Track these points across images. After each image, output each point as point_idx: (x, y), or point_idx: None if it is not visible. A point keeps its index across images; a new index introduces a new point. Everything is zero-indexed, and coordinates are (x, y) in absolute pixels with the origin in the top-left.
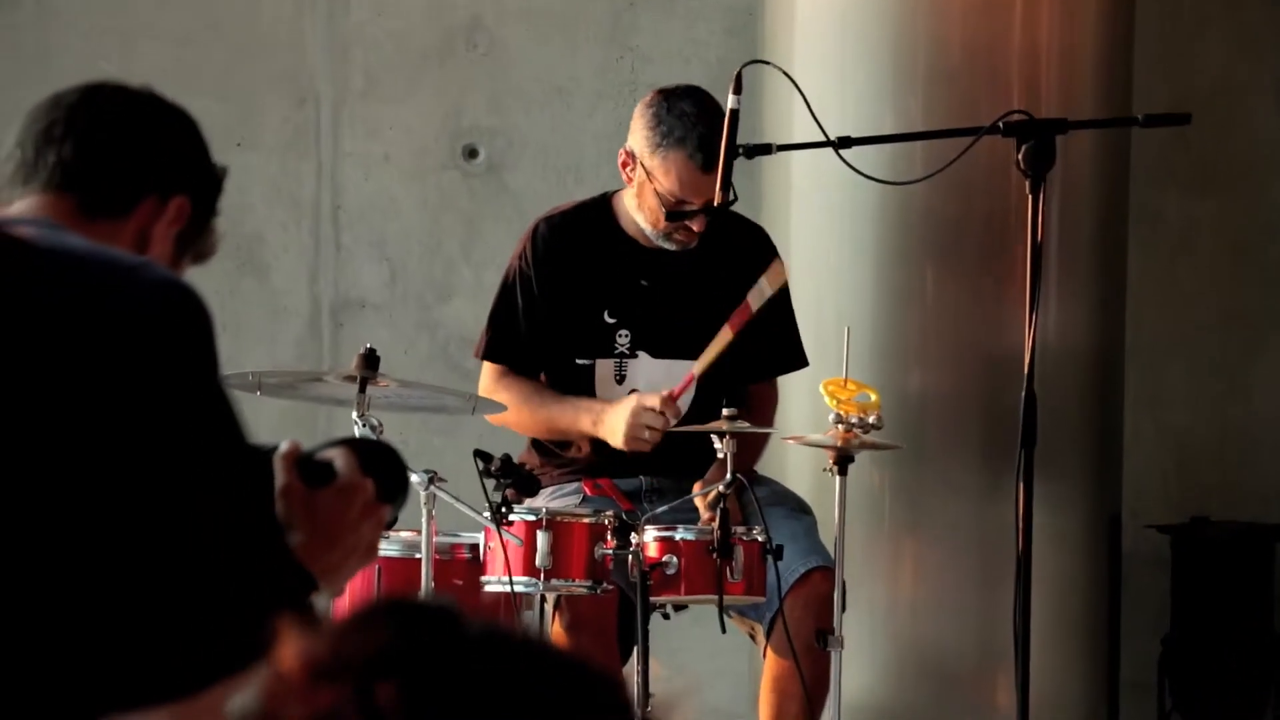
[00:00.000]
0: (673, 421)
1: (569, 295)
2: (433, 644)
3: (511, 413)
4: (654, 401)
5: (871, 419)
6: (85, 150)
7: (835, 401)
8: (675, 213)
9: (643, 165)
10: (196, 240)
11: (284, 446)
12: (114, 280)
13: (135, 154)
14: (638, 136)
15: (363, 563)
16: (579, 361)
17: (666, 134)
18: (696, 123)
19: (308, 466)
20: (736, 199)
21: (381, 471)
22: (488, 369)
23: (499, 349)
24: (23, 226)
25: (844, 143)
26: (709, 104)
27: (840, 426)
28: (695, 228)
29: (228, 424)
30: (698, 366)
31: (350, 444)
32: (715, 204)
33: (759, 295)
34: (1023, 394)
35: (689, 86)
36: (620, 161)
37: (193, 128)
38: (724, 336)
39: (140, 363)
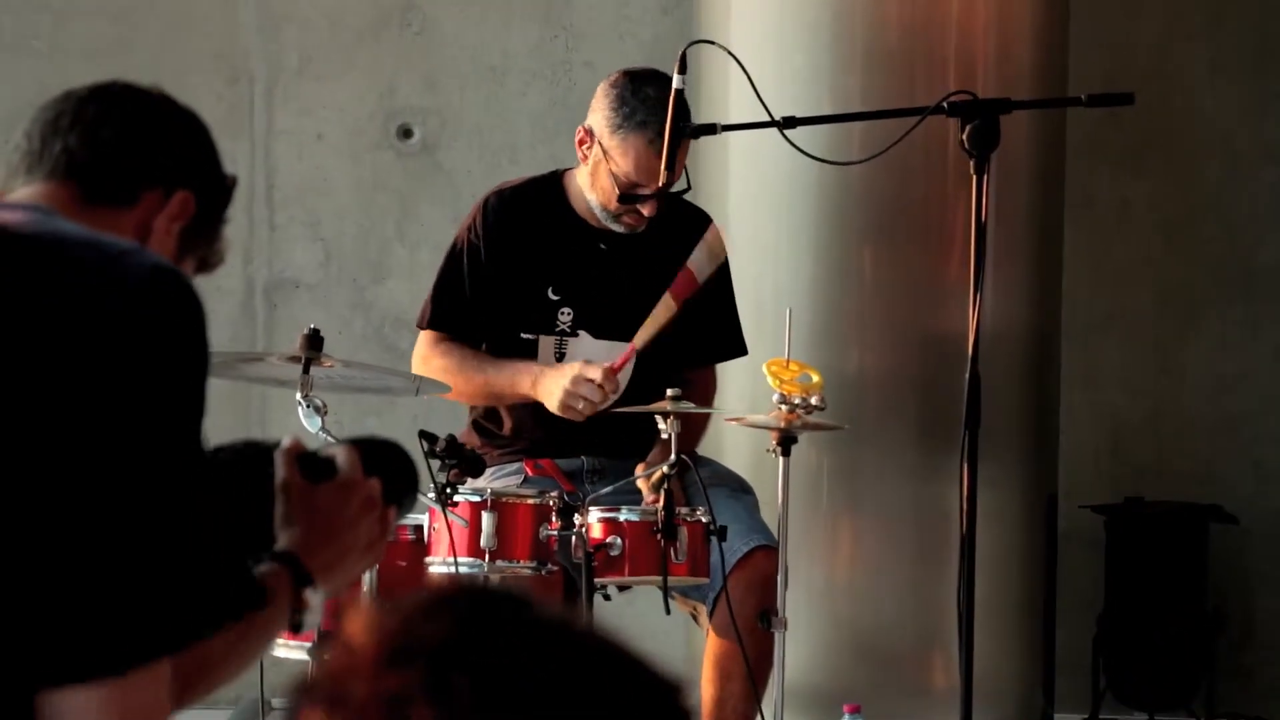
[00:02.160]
0: (611, 397)
1: (515, 269)
2: (504, 634)
3: (448, 377)
4: (595, 373)
5: (814, 399)
6: (91, 140)
7: (778, 382)
8: (628, 195)
9: (601, 144)
10: (201, 242)
11: (286, 441)
12: (100, 263)
13: (141, 146)
14: (598, 116)
15: (365, 561)
16: (523, 336)
17: (629, 116)
18: (659, 108)
19: (308, 462)
20: (690, 187)
21: (388, 472)
22: (425, 336)
23: (443, 317)
24: (9, 212)
25: (788, 123)
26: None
27: (784, 407)
28: (646, 211)
29: (192, 417)
30: (639, 338)
31: (357, 442)
32: (665, 186)
33: (699, 263)
34: (967, 375)
35: (653, 70)
36: (578, 139)
37: (202, 129)
38: (666, 306)
39: (123, 345)
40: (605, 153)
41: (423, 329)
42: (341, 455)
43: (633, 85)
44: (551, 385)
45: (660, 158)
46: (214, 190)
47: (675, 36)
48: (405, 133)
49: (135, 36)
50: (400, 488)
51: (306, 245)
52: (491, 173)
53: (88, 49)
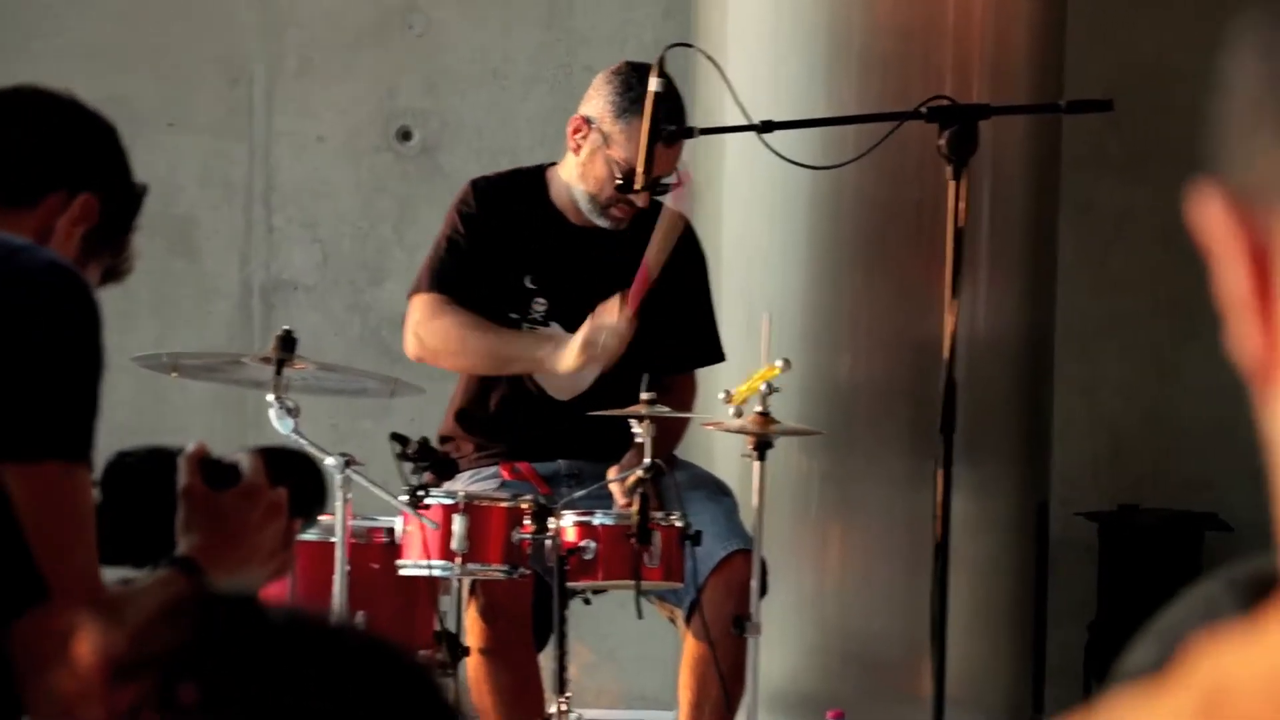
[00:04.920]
0: (625, 344)
1: (495, 253)
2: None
3: (457, 334)
4: (613, 308)
5: (762, 388)
6: None
7: (741, 393)
8: (627, 183)
9: (601, 131)
10: (106, 248)
11: (190, 447)
12: None
13: (46, 147)
14: (600, 102)
15: (266, 569)
16: (511, 316)
17: (636, 100)
18: (666, 94)
19: (212, 468)
20: (681, 182)
21: (296, 482)
22: (426, 300)
23: (445, 280)
24: None
25: (767, 126)
26: (677, 92)
27: (760, 414)
28: (639, 203)
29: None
30: (650, 256)
31: (264, 450)
32: (639, 188)
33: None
34: (942, 381)
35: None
36: (572, 128)
37: (111, 134)
38: (669, 224)
39: (14, 337)
40: (606, 139)
41: (421, 294)
42: (246, 462)
43: (637, 73)
44: (571, 342)
45: (665, 144)
46: (120, 195)
47: (676, 40)
48: (405, 135)
49: (135, 38)
50: (307, 499)
51: (305, 247)
52: None
53: (88, 50)
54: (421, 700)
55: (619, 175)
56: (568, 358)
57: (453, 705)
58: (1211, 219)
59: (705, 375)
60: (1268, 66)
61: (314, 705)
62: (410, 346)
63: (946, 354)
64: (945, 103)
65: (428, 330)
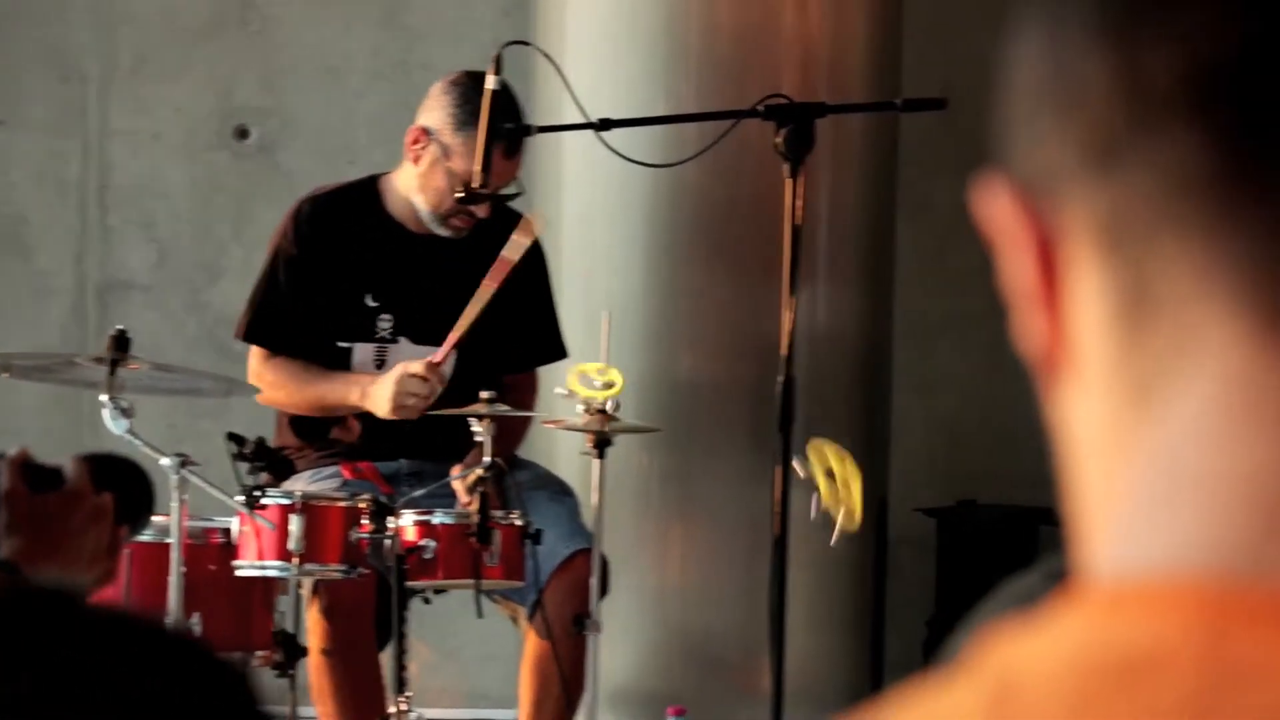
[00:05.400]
0: (438, 388)
1: (331, 277)
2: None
3: (280, 392)
4: (418, 368)
5: (609, 405)
6: None
7: (583, 387)
8: (468, 196)
9: (440, 143)
10: None
11: (12, 451)
12: None
13: None
14: (440, 114)
15: (90, 575)
16: (340, 344)
17: (474, 113)
18: (502, 93)
19: (34, 472)
20: (523, 191)
21: (122, 489)
22: (254, 352)
23: (258, 330)
24: None
25: (605, 125)
26: (514, 93)
27: (599, 411)
28: (480, 214)
29: None
30: (457, 330)
31: (90, 457)
32: (478, 187)
33: (516, 248)
34: (781, 378)
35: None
36: (411, 139)
37: None
38: (484, 292)
39: None
40: (445, 151)
41: (239, 339)
42: (70, 467)
43: (475, 83)
44: (380, 391)
45: (504, 156)
46: None
47: (514, 38)
48: (242, 133)
49: None
50: (133, 506)
51: (141, 246)
52: (329, 174)
53: None
54: (231, 701)
55: (459, 188)
56: (380, 406)
57: (265, 711)
58: (997, 210)
59: (547, 374)
60: (1049, 54)
61: (117, 706)
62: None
63: (785, 352)
64: (782, 101)
65: (262, 382)
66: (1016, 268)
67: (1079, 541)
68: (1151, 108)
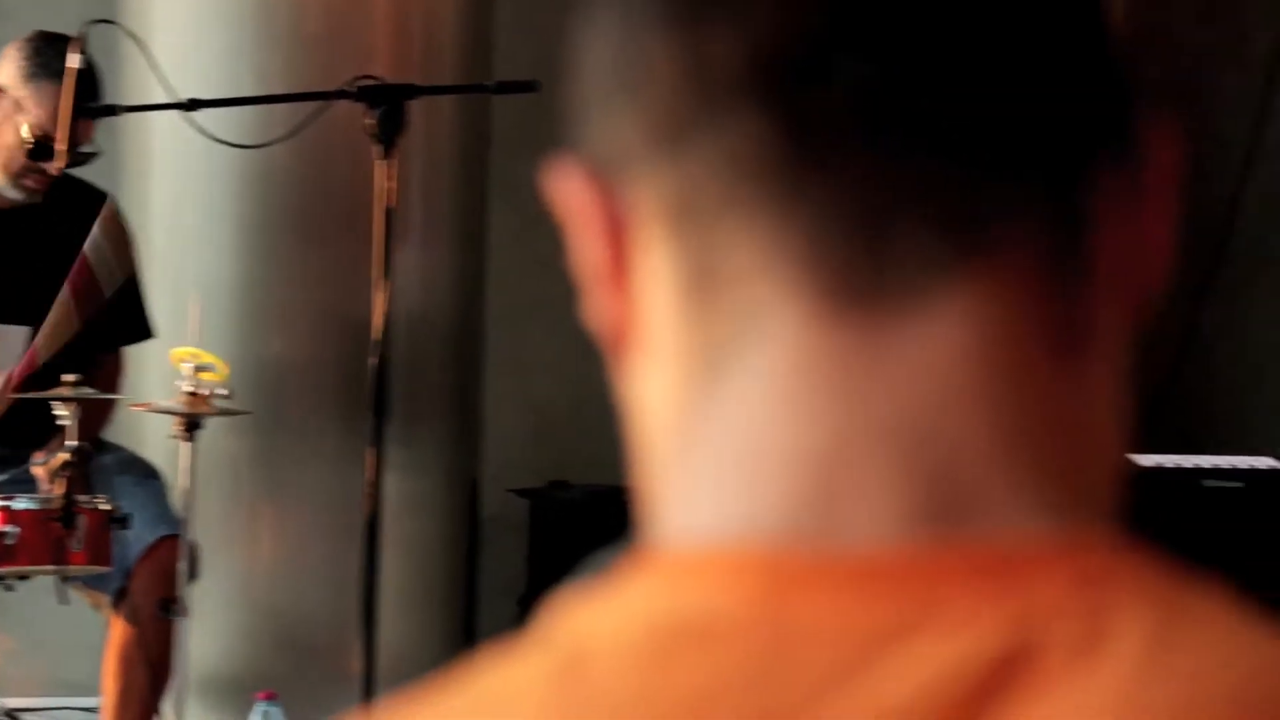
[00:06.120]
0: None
1: None
2: None
3: None
4: None
5: (219, 389)
6: None
7: (186, 370)
8: (40, 148)
9: (11, 98)
10: None
11: None
12: None
13: None
14: (8, 69)
15: None
16: None
17: (44, 65)
18: (86, 71)
19: None
20: (101, 152)
21: None
22: None
23: None
24: None
25: (193, 105)
26: (98, 72)
27: (187, 392)
28: (53, 170)
29: None
30: (41, 346)
31: None
32: (61, 168)
33: (96, 246)
34: (372, 361)
35: (70, 35)
36: None
37: None
38: (63, 304)
39: None
40: (17, 104)
41: None
42: None
43: (47, 39)
44: None
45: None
46: None
47: (100, 17)
48: None
49: None
50: None
51: None
52: None
53: None
54: None
55: (33, 140)
56: None
57: None
58: (569, 191)
59: (135, 355)
60: (620, 37)
61: None
62: None
63: (378, 334)
64: (373, 82)
65: None
66: (587, 248)
67: (649, 514)
68: (718, 92)
